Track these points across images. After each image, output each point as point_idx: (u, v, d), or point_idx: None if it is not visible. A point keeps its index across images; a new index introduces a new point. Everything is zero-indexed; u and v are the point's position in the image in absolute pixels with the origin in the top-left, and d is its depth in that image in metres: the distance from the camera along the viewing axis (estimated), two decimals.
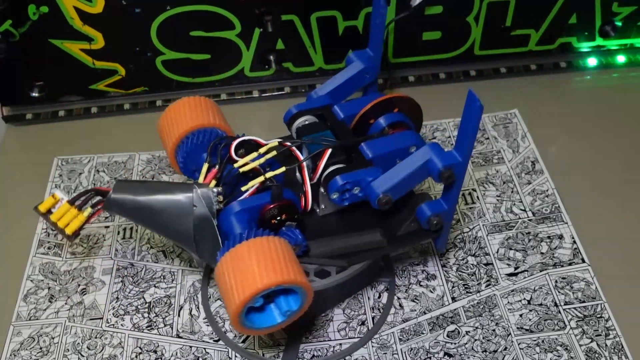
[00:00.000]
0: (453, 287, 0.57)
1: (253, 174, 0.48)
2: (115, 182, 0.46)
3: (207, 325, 0.55)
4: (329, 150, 0.48)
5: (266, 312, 0.44)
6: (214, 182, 0.46)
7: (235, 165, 0.47)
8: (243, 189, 0.47)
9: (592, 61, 0.78)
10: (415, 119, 0.54)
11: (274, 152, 0.48)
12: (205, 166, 0.47)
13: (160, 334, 0.55)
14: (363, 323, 0.55)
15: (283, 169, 0.47)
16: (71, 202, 0.45)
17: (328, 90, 0.55)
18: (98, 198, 0.46)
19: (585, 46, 0.77)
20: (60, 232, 0.45)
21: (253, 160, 0.47)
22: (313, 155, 0.48)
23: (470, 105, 0.41)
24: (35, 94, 0.72)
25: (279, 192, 0.46)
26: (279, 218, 0.46)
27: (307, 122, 0.52)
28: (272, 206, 0.46)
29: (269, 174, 0.47)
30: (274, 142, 0.48)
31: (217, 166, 0.47)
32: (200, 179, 0.46)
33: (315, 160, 0.48)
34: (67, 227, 0.45)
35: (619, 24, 0.75)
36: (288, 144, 0.49)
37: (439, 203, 0.49)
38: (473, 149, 0.68)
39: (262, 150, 0.48)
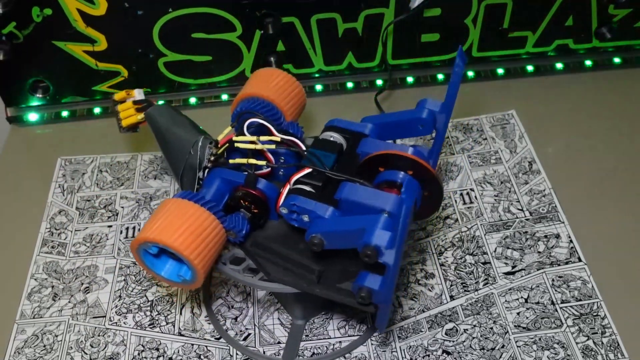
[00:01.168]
0: (451, 285, 0.57)
1: (263, 157, 0.50)
2: (157, 104, 0.53)
3: (209, 324, 0.55)
4: (308, 170, 0.47)
5: (160, 261, 0.47)
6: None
7: (234, 138, 0.49)
8: (231, 161, 0.49)
9: (588, 63, 0.78)
10: (429, 195, 0.48)
11: (269, 146, 0.49)
12: (228, 129, 0.51)
13: (162, 332, 0.55)
14: (362, 321, 0.55)
15: (287, 165, 0.49)
16: (135, 103, 0.54)
17: (377, 121, 0.52)
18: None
19: (581, 48, 0.77)
20: (117, 122, 0.55)
21: (246, 142, 0.49)
22: (295, 166, 0.48)
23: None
24: (38, 95, 0.72)
25: (253, 180, 0.47)
26: (245, 203, 0.47)
27: (328, 138, 0.51)
28: (241, 189, 0.47)
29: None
30: (278, 138, 0.49)
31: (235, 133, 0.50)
32: (219, 137, 0.50)
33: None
34: (124, 120, 0.55)
35: (615, 26, 0.75)
36: (286, 143, 0.49)
37: (376, 280, 0.42)
38: (471, 149, 0.68)
39: (263, 138, 0.49)
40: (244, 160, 0.48)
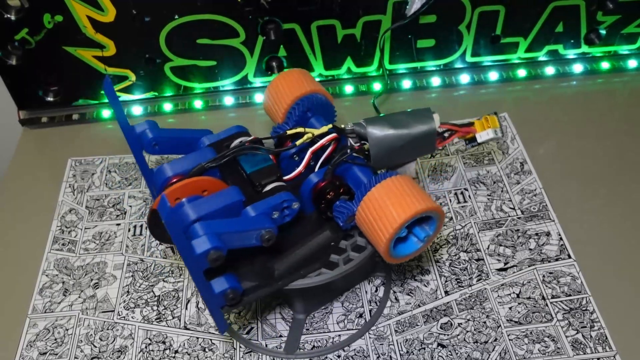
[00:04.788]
0: (446, 281, 0.57)
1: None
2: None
3: None
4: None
5: (408, 241, 0.47)
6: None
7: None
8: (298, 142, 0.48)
9: (577, 67, 0.78)
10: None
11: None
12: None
13: (168, 326, 0.55)
14: (361, 315, 0.55)
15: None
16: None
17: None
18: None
19: (571, 53, 0.77)
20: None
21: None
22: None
23: None
24: (50, 99, 0.72)
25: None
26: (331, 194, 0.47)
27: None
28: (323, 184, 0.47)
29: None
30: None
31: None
32: (317, 132, 0.49)
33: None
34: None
35: (604, 32, 0.75)
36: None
37: (234, 281, 0.42)
38: (465, 151, 0.68)
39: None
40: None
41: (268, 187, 0.46)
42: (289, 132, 0.49)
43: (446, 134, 0.50)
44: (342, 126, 0.49)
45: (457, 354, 0.52)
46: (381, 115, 0.51)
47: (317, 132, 0.48)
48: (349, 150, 0.48)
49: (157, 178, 0.46)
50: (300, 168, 0.48)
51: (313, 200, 0.48)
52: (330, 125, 0.49)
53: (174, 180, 0.45)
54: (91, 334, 0.54)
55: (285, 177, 0.48)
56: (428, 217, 0.45)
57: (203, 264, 0.39)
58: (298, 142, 0.48)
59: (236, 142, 0.49)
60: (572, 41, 0.75)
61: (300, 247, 0.48)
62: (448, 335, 0.53)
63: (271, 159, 0.48)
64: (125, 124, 0.48)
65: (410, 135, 0.47)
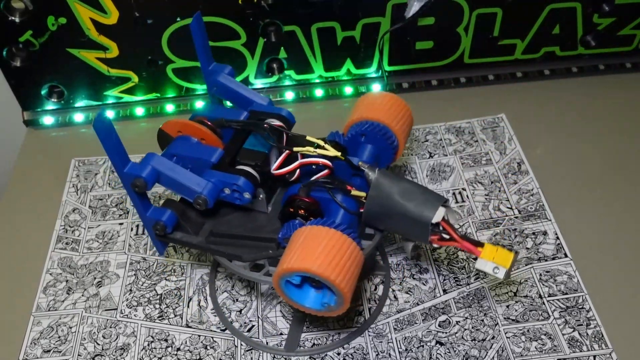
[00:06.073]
0: (444, 280, 0.57)
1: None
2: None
3: (215, 316, 0.55)
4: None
5: (303, 291, 0.44)
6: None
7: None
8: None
9: (574, 69, 0.78)
10: None
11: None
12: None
13: (170, 324, 0.55)
14: (360, 314, 0.55)
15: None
16: None
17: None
18: None
19: (567, 55, 0.77)
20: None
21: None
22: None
23: None
24: (53, 100, 0.72)
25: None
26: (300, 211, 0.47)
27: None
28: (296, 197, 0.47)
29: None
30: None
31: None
32: (323, 152, 0.47)
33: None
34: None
35: (599, 34, 0.75)
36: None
37: (169, 219, 0.47)
38: (463, 151, 0.68)
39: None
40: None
41: (239, 167, 0.47)
42: (308, 137, 0.48)
43: (445, 235, 0.43)
44: (359, 162, 0.46)
45: (455, 351, 0.52)
46: (397, 175, 0.47)
47: (324, 152, 0.47)
48: (334, 182, 0.46)
49: (193, 114, 0.52)
50: (284, 170, 0.48)
51: (283, 204, 0.48)
52: (339, 154, 0.46)
53: (198, 118, 0.50)
54: (94, 332, 0.54)
55: (274, 171, 0.48)
56: (330, 288, 0.42)
57: (127, 183, 0.45)
58: (295, 149, 0.47)
59: (269, 120, 0.50)
60: (568, 43, 0.75)
61: (239, 226, 0.49)
62: (446, 333, 0.53)
63: (271, 148, 0.48)
64: (209, 59, 0.54)
65: (406, 209, 0.43)
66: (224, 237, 0.49)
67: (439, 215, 0.42)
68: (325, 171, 0.47)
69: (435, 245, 0.44)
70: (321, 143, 0.47)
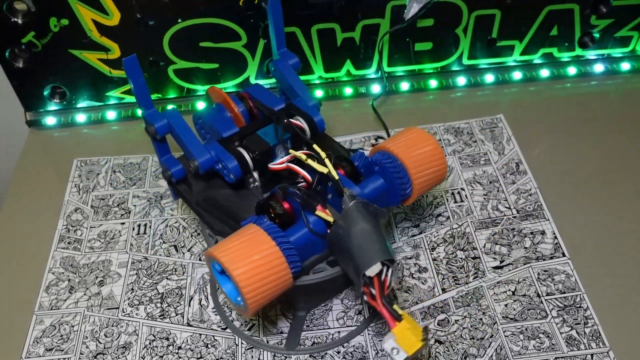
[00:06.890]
0: (443, 279, 0.57)
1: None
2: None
3: (216, 315, 0.55)
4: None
5: (227, 280, 0.44)
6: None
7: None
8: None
9: (572, 70, 0.78)
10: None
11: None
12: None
13: (172, 323, 0.55)
14: (360, 312, 0.55)
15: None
16: None
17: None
18: None
19: (565, 56, 0.77)
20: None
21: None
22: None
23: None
24: (56, 100, 0.73)
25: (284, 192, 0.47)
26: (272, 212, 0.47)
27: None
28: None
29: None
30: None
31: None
32: (318, 167, 0.46)
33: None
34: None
35: (597, 35, 0.75)
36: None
37: (178, 172, 0.52)
38: (462, 151, 0.69)
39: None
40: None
41: (239, 149, 0.49)
42: (315, 146, 0.47)
43: (374, 295, 0.41)
44: (345, 190, 0.44)
45: (454, 350, 0.52)
46: (374, 216, 0.43)
47: (312, 164, 0.46)
48: (304, 195, 0.45)
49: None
50: (274, 167, 0.48)
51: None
52: (325, 170, 0.45)
53: (238, 92, 0.56)
54: (96, 331, 0.54)
55: (270, 165, 0.48)
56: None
57: (149, 127, 0.50)
58: (291, 151, 0.47)
59: (296, 118, 0.52)
60: (566, 44, 0.75)
61: (230, 201, 0.50)
62: (445, 331, 0.53)
63: (281, 143, 0.50)
64: (282, 44, 0.57)
65: (353, 250, 0.41)
66: (214, 207, 0.51)
67: (373, 269, 0.40)
68: (303, 183, 0.47)
69: (362, 297, 0.41)
70: (323, 155, 0.46)
